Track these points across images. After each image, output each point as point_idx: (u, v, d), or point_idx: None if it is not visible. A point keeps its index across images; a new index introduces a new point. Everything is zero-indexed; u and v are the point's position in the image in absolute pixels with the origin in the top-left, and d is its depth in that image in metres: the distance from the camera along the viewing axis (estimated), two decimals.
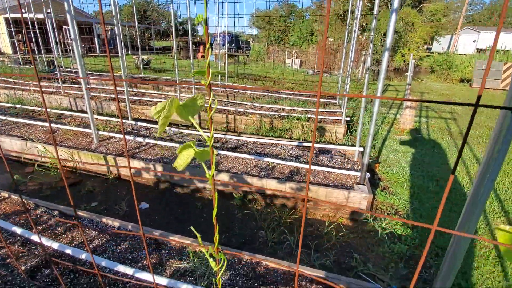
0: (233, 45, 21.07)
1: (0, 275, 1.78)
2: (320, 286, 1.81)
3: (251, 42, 28.81)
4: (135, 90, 8.19)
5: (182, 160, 0.70)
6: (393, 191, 3.49)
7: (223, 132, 4.60)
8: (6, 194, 2.68)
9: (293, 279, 1.85)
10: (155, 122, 5.49)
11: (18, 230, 2.00)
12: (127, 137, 4.21)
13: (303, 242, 2.61)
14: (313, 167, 3.42)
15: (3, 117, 4.89)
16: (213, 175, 0.69)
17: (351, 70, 5.30)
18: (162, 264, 1.96)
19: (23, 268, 1.86)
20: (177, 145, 3.97)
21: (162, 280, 1.68)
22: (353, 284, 1.80)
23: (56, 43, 8.13)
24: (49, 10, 8.21)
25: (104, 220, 2.37)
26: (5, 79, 9.06)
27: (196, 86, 8.08)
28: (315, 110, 6.08)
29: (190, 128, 4.89)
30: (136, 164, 3.53)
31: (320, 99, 7.58)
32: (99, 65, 14.04)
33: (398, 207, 3.13)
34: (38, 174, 3.69)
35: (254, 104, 6.56)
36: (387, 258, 2.45)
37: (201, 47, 22.52)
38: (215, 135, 4.51)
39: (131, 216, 2.91)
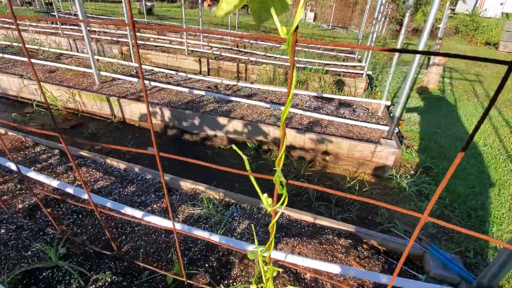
0: None
1: None
2: (350, 241, 1.63)
3: None
4: (137, 34, 7.59)
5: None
6: (417, 149, 3.22)
7: (235, 80, 4.22)
8: (2, 131, 2.46)
9: (318, 232, 1.67)
10: (160, 67, 5.08)
11: (13, 166, 1.80)
12: (131, 79, 3.87)
13: (323, 195, 2.42)
14: (335, 119, 3.11)
15: (8, 56, 4.52)
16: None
17: (374, 27, 4.70)
18: (174, 209, 1.78)
19: (20, 206, 1.69)
20: (185, 89, 3.64)
21: (175, 225, 1.49)
22: (388, 240, 1.62)
23: None
24: None
25: (109, 161, 2.16)
26: (3, 19, 8.43)
27: (204, 34, 7.44)
28: (333, 63, 5.58)
29: (198, 74, 4.50)
30: (141, 107, 3.25)
31: (338, 53, 6.98)
32: (100, 10, 13.04)
33: (425, 165, 2.88)
34: (38, 114, 3.45)
35: (267, 54, 6.03)
36: (413, 216, 2.26)
37: None
38: (225, 82, 4.15)
39: (137, 160, 2.72)
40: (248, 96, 3.72)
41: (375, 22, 4.79)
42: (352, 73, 5.07)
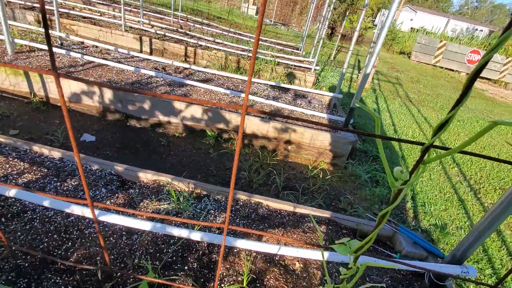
0: None
1: None
2: (330, 227, 1.62)
3: None
4: (60, 1, 6.32)
5: None
6: (364, 139, 3.50)
7: (186, 62, 3.86)
8: None
9: (299, 221, 1.61)
10: (92, 40, 4.32)
11: None
12: (57, 50, 3.16)
13: (288, 184, 2.39)
14: (295, 109, 3.12)
15: None
16: None
17: (320, 27, 4.94)
18: (135, 205, 1.48)
19: None
20: (129, 67, 3.15)
21: (142, 225, 1.21)
22: (363, 224, 1.66)
23: None
24: None
25: (36, 148, 1.68)
26: None
27: (148, 12, 6.65)
28: (282, 55, 5.66)
29: (143, 53, 3.97)
30: (73, 85, 2.67)
31: (285, 48, 7.14)
32: None
33: (373, 154, 3.14)
34: None
35: (217, 40, 5.74)
36: (369, 200, 2.43)
37: None
38: (176, 63, 3.76)
39: (70, 149, 2.22)
40: (204, 81, 3.44)
41: (321, 23, 5.01)
42: (301, 67, 5.23)
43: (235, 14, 15.33)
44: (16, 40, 3.06)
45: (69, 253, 1.17)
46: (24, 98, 2.76)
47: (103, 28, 4.83)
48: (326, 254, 1.26)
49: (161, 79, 3.19)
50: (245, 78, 3.88)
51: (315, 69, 5.10)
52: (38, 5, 5.12)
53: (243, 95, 3.15)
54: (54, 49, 3.15)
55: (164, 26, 5.94)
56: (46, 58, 3.03)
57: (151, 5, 8.89)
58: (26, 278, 1.05)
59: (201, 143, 2.72)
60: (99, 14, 5.86)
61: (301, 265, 1.35)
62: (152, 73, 3.15)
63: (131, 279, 1.13)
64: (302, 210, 1.68)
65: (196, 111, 2.69)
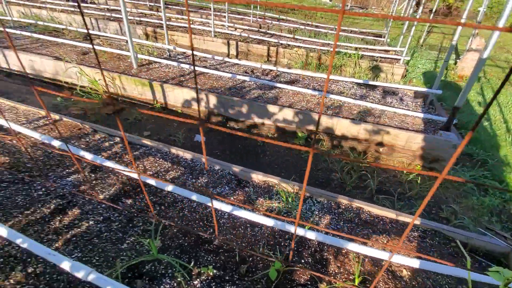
0: None
1: (78, 204, 1.61)
2: (437, 238, 1.61)
3: None
4: (157, 13, 7.34)
5: None
6: (470, 140, 3.14)
7: (269, 64, 4.09)
8: (57, 116, 2.43)
9: (402, 229, 1.65)
10: (186, 49, 4.93)
11: (89, 156, 1.78)
12: (168, 62, 3.77)
13: (382, 188, 2.39)
14: (386, 108, 3.02)
15: (28, 33, 4.40)
16: None
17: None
18: (252, 202, 1.77)
19: (101, 196, 1.68)
20: (226, 74, 3.54)
21: (265, 221, 1.46)
22: (476, 239, 1.60)
23: None
24: None
25: (174, 151, 2.13)
26: None
27: (229, 15, 7.17)
28: (364, 47, 5.37)
29: (234, 58, 4.37)
30: (183, 93, 3.17)
31: (366, 36, 6.72)
32: None
33: (480, 158, 2.82)
34: (75, 95, 3.40)
35: (296, 36, 5.82)
36: (477, 210, 2.23)
37: None
38: (264, 66, 4.02)
39: (189, 148, 2.68)
40: (291, 82, 3.62)
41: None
42: (387, 58, 4.89)
43: (309, 2, 14.95)
44: (139, 56, 3.77)
45: (212, 237, 1.51)
46: (148, 104, 3.42)
47: (196, 35, 5.45)
48: (432, 265, 1.29)
49: (253, 82, 3.49)
50: (331, 77, 3.89)
51: (404, 60, 4.71)
52: (144, 19, 6.08)
53: (331, 96, 3.20)
54: (167, 62, 3.76)
55: (245, 27, 6.30)
56: (162, 69, 3.65)
57: (230, 6, 9.42)
58: (187, 255, 1.41)
59: (293, 144, 2.91)
60: (191, 22, 6.58)
61: (409, 273, 1.41)
62: (246, 78, 3.46)
63: (260, 264, 1.39)
64: (404, 218, 1.70)
65: (287, 113, 2.88)
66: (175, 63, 3.70)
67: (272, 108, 2.89)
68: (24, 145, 2.01)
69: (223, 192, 1.82)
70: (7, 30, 4.55)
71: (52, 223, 1.48)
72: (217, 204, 1.52)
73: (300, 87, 3.41)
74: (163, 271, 1.32)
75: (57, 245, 1.37)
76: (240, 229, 1.57)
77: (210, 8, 8.48)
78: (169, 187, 1.65)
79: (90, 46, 4.10)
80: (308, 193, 1.86)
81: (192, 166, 2.01)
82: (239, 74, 3.64)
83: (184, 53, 4.38)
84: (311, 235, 1.40)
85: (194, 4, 9.11)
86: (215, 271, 1.34)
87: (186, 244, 1.46)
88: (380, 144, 2.72)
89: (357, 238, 0.73)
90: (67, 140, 2.14)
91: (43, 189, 1.67)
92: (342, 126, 2.76)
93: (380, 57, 4.85)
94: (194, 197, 1.58)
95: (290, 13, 11.00)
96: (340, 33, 6.81)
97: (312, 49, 4.96)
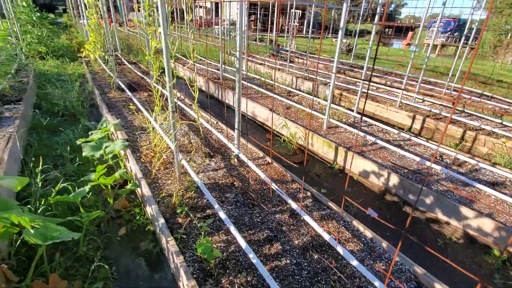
0: (455, 33, 16.87)
1: (280, 240, 2.11)
2: None
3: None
4: (342, 77, 8.18)
5: None
6: None
7: (464, 151, 3.66)
8: (269, 160, 3.25)
9: None
10: (376, 119, 5.20)
11: (294, 205, 2.31)
12: (352, 129, 4.16)
13: None
14: None
15: (256, 88, 6.11)
16: None
17: None
18: None
19: (296, 242, 2.12)
20: (412, 156, 3.50)
21: None
22: None
23: (276, 24, 9.22)
24: None
25: (355, 223, 2.36)
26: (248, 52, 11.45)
27: (413, 81, 7.01)
28: None
29: (420, 137, 4.24)
30: (364, 163, 3.40)
31: None
32: (304, 46, 15.16)
33: None
34: (274, 142, 4.35)
35: (504, 123, 4.89)
36: None
37: (410, 33, 19.63)
38: (460, 157, 3.66)
39: (359, 219, 2.84)
40: (493, 184, 3.11)
41: None
42: None
43: None
44: (330, 120, 4.39)
45: None
46: (327, 163, 3.89)
47: (380, 104, 5.67)
48: None
49: (440, 171, 3.26)
50: None
51: None
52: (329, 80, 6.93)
53: None
54: (351, 129, 4.17)
55: (436, 101, 5.92)
56: (345, 133, 4.08)
57: (417, 74, 9.09)
58: None
59: (483, 259, 2.48)
60: (375, 89, 6.91)
61: None
62: (436, 166, 3.29)
63: None
64: None
65: (485, 223, 2.50)
66: (360, 133, 4.04)
67: (465, 211, 2.60)
68: (251, 177, 2.84)
69: None
70: (242, 82, 6.48)
71: (264, 248, 2.03)
72: None
73: (506, 194, 2.87)
74: None
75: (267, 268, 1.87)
76: None
77: (398, 74, 8.52)
78: (354, 262, 1.87)
79: (293, 103, 5.16)
80: None
81: (371, 246, 2.16)
82: (426, 158, 3.50)
83: (367, 122, 4.67)
84: None
85: (379, 68, 9.46)
86: None
87: None
88: None
89: None
90: (275, 181, 2.84)
91: (260, 217, 2.32)
92: None
93: None
94: (377, 284, 1.72)
95: (496, 90, 9.24)
96: None
97: None
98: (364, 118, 4.71)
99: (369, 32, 27.44)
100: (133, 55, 9.13)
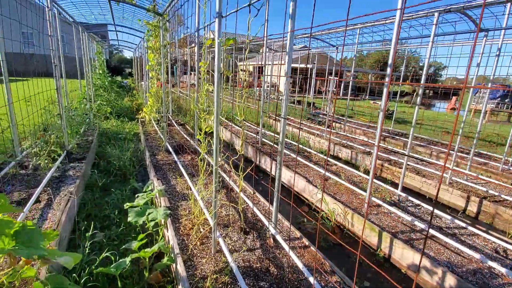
0: (506, 99, 16.03)
1: None
2: None
3: None
4: (383, 145, 7.99)
5: None
6: None
7: None
8: (306, 241, 3.10)
9: None
10: (424, 197, 4.86)
11: None
12: (398, 212, 3.88)
13: None
14: None
15: (293, 155, 6.23)
16: None
17: None
18: None
19: None
20: (467, 250, 3.10)
21: None
22: None
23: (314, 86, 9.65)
24: (314, 62, 9.93)
25: None
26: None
27: (464, 154, 6.56)
28: None
29: (480, 227, 3.80)
30: (412, 256, 3.07)
31: None
32: (341, 109, 15.47)
33: None
34: (311, 216, 4.20)
35: None
36: None
37: (454, 98, 19.16)
38: None
39: None
40: None
41: None
42: None
43: None
44: (372, 198, 4.19)
45: None
46: (370, 247, 3.59)
47: (427, 179, 5.32)
48: None
49: (506, 274, 2.80)
50: None
51: None
52: (373, 151, 6.77)
53: None
54: (395, 210, 3.90)
55: (492, 179, 5.39)
56: (391, 216, 3.81)
57: (467, 145, 8.58)
58: None
59: None
60: (419, 162, 6.57)
61: None
62: (500, 267, 2.85)
63: None
64: None
65: None
66: (406, 217, 3.75)
67: None
68: (287, 263, 2.70)
69: None
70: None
71: None
72: None
73: None
74: None
75: None
76: None
77: (444, 144, 7.92)
78: None
79: (331, 175, 5.09)
80: None
81: None
82: (487, 255, 3.06)
83: (412, 201, 4.35)
84: None
85: (423, 137, 9.02)
86: None
87: None
88: None
89: None
90: (311, 269, 2.66)
91: None
92: None
93: None
94: None
95: None
96: None
97: None
98: (409, 196, 4.41)
99: (408, 94, 27.38)
100: (182, 115, 10.08)
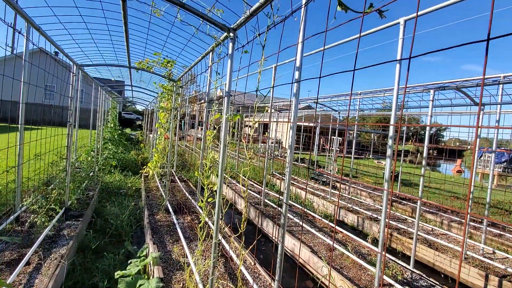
0: None
1: None
2: None
3: None
4: (391, 212, 7.72)
5: None
6: None
7: None
8: None
9: None
10: (438, 273, 4.48)
11: None
12: None
13: None
14: None
15: (296, 220, 6.01)
16: None
17: None
18: None
19: None
20: None
21: None
22: None
23: (317, 144, 9.75)
24: (318, 121, 10.26)
25: None
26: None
27: (477, 224, 6.24)
28: None
29: None
30: None
31: None
32: (345, 167, 15.45)
33: None
34: None
35: None
36: None
37: (459, 160, 19.15)
38: None
39: None
40: None
41: None
42: None
43: None
44: (383, 277, 3.86)
45: None
46: None
47: (440, 253, 4.97)
48: None
49: None
50: None
51: None
52: (380, 217, 6.49)
53: None
54: None
55: (511, 255, 5.01)
56: None
57: (483, 212, 8.24)
58: None
59: None
60: (430, 229, 6.25)
61: None
62: None
63: None
64: None
65: None
66: None
67: None
68: None
69: None
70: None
71: None
72: None
73: None
74: None
75: None
76: None
77: (454, 212, 7.61)
78: None
79: (340, 248, 4.81)
80: None
81: None
82: None
83: (429, 281, 3.99)
84: None
85: (431, 202, 8.76)
86: None
87: None
88: None
89: None
90: None
91: None
92: None
93: None
94: None
95: None
96: None
97: None
98: (423, 274, 4.07)
99: (411, 153, 27.51)
100: (186, 171, 10.11)
